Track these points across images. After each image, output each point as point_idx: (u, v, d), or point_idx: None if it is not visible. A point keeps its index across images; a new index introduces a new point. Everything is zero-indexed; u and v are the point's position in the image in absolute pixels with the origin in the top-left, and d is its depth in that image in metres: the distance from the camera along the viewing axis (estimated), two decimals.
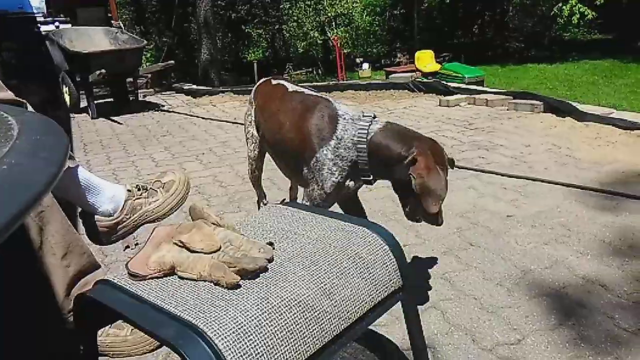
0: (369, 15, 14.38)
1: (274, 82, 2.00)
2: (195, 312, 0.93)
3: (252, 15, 14.92)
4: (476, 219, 2.41)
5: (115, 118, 5.75)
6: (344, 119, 1.61)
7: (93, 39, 6.39)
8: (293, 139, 1.70)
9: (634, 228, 2.22)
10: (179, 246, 1.11)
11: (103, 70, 5.49)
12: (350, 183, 1.67)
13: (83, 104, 6.21)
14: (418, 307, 1.43)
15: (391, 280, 1.20)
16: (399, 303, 1.26)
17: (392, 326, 1.63)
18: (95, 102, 5.96)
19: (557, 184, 2.77)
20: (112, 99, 6.60)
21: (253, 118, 2.06)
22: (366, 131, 1.56)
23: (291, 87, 1.88)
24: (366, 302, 1.13)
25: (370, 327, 1.56)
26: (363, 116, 1.60)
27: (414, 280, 1.38)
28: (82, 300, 1.09)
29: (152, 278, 1.07)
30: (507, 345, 1.53)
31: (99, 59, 5.70)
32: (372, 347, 1.55)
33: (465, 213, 2.49)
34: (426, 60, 9.02)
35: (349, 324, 1.08)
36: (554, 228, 2.27)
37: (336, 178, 1.62)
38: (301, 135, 1.66)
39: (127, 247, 2.37)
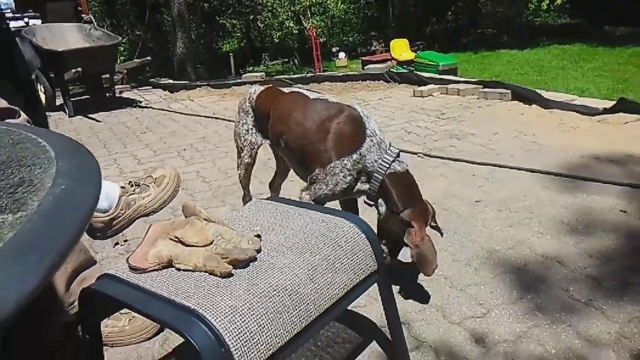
0: (344, 3, 14.45)
1: (286, 90, 2.04)
2: (194, 299, 1.06)
3: (226, 5, 14.85)
4: (447, 205, 2.57)
5: (93, 116, 5.76)
6: (371, 139, 1.75)
7: (66, 36, 6.33)
8: (317, 143, 1.79)
9: (590, 209, 2.41)
10: (174, 241, 1.23)
11: (79, 69, 5.49)
12: (354, 190, 1.82)
13: (58, 102, 6.20)
14: (393, 287, 1.58)
15: (367, 265, 1.35)
16: (376, 285, 1.41)
17: (370, 306, 1.78)
18: (71, 99, 5.96)
19: (522, 169, 2.95)
20: (88, 97, 6.59)
21: (252, 126, 2.11)
22: (388, 166, 1.72)
23: (312, 94, 1.94)
24: (346, 285, 1.28)
25: (350, 307, 1.72)
26: (389, 148, 1.76)
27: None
28: (87, 293, 1.20)
29: (151, 271, 1.19)
30: (474, 318, 1.70)
31: (74, 57, 5.68)
32: (352, 325, 1.70)
33: (437, 200, 2.64)
34: (401, 48, 9.14)
35: (331, 304, 1.23)
36: (518, 211, 2.44)
37: (346, 184, 1.77)
38: (326, 142, 1.77)
39: (117, 243, 2.48)
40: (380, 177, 1.72)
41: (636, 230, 2.19)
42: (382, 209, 1.77)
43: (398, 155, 1.75)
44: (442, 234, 1.85)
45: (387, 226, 1.77)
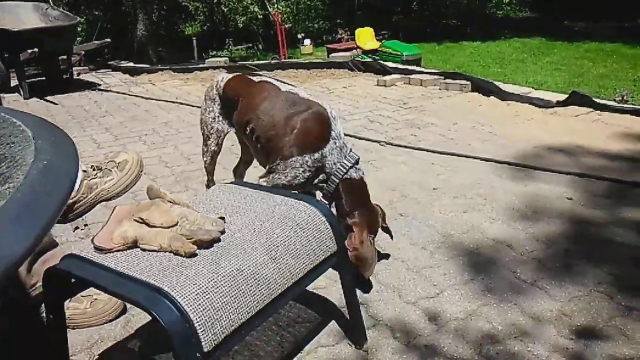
0: None
1: (256, 79, 2.05)
2: (159, 277, 1.10)
3: None
4: (406, 192, 2.67)
5: (49, 98, 5.60)
6: (335, 142, 1.82)
7: (21, 16, 6.11)
8: (283, 136, 1.83)
9: (539, 196, 2.54)
10: (140, 222, 1.26)
11: (35, 49, 5.33)
12: (311, 185, 1.89)
13: (13, 83, 6.00)
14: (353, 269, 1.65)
15: (327, 246, 1.41)
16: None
17: (330, 288, 1.85)
18: (27, 81, 5.77)
19: (478, 158, 3.07)
20: (44, 78, 6.39)
21: (218, 114, 2.12)
22: (345, 171, 1.81)
23: (283, 86, 1.97)
24: (306, 264, 1.34)
25: (310, 289, 1.79)
26: (349, 153, 1.83)
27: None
28: (52, 273, 1.22)
29: (117, 251, 1.22)
30: (428, 298, 1.79)
31: (30, 36, 5.50)
32: (312, 306, 1.77)
33: (397, 187, 2.73)
34: (366, 37, 9.19)
35: (292, 283, 1.29)
36: (473, 198, 2.55)
37: (303, 179, 1.84)
38: (292, 137, 1.82)
39: (77, 228, 2.47)
40: (337, 181, 1.82)
41: (580, 217, 2.33)
42: (334, 211, 1.86)
43: (357, 162, 1.84)
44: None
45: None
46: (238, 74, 2.17)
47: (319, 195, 1.91)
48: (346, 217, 1.81)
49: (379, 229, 1.88)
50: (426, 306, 1.75)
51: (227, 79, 2.12)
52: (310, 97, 1.90)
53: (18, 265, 0.38)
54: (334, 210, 1.86)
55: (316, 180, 1.87)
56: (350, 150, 1.85)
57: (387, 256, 2.05)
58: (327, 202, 1.87)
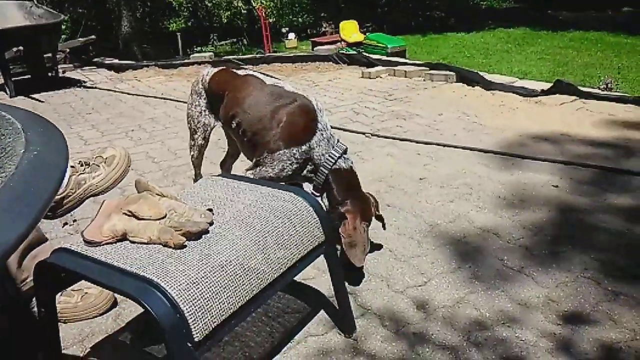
0: None
1: (241, 73, 2.05)
2: (150, 269, 1.11)
3: None
4: (393, 183, 2.68)
5: (35, 96, 5.56)
6: (322, 133, 1.83)
7: (5, 14, 6.05)
8: (270, 130, 1.84)
9: (525, 184, 2.57)
10: (128, 215, 1.26)
11: (20, 47, 5.28)
12: (299, 176, 1.90)
13: None
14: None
15: (315, 236, 1.43)
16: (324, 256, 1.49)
17: (318, 279, 1.87)
18: (12, 79, 5.72)
19: (463, 148, 3.10)
20: (29, 76, 6.34)
21: (205, 108, 2.12)
22: (334, 162, 1.81)
23: (268, 80, 1.97)
24: (295, 255, 1.35)
25: (299, 279, 1.81)
26: (337, 143, 1.84)
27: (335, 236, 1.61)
28: (43, 267, 1.22)
29: (106, 244, 1.23)
30: (415, 287, 1.81)
31: (15, 35, 5.45)
32: (301, 296, 1.79)
33: (384, 178, 2.75)
34: (351, 30, 9.19)
35: (280, 273, 1.30)
36: (459, 187, 2.58)
37: (291, 171, 1.85)
38: (278, 130, 1.82)
39: (66, 223, 2.46)
40: (326, 172, 1.82)
41: (566, 204, 2.36)
42: (326, 202, 1.87)
43: (345, 152, 1.85)
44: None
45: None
46: (223, 68, 2.16)
47: (309, 187, 1.92)
48: (338, 206, 1.82)
49: (373, 217, 1.89)
50: (414, 294, 1.77)
51: (213, 73, 2.12)
52: (296, 90, 1.91)
53: (10, 252, 0.39)
54: (325, 202, 1.88)
55: (304, 172, 1.88)
56: (338, 141, 1.87)
57: (379, 246, 2.06)
58: (318, 194, 1.88)
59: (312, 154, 1.83)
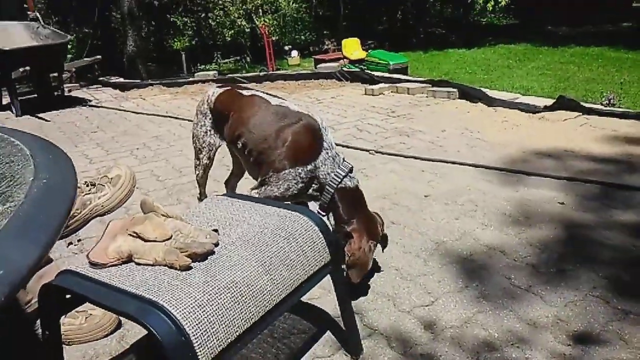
0: (295, 2, 14.49)
1: (246, 93, 2.06)
2: (155, 291, 1.10)
3: (176, 2, 14.61)
4: (397, 200, 2.68)
5: (41, 115, 5.60)
6: (327, 152, 1.83)
7: (12, 35, 6.13)
8: (275, 149, 1.84)
9: (530, 201, 2.56)
10: (134, 236, 1.26)
11: (27, 67, 5.33)
12: (305, 195, 1.90)
13: (5, 101, 5.99)
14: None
15: (321, 256, 1.42)
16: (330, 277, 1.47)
17: (324, 298, 1.85)
18: (19, 99, 5.77)
19: (467, 165, 3.09)
20: (36, 95, 6.39)
21: (210, 127, 2.13)
22: (339, 180, 1.82)
23: (274, 100, 1.98)
24: (301, 275, 1.34)
25: (305, 300, 1.79)
26: (343, 162, 1.85)
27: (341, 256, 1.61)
28: (49, 289, 1.21)
29: (111, 265, 1.22)
30: (422, 306, 1.79)
31: (22, 55, 5.51)
32: (307, 317, 1.77)
33: (388, 195, 2.75)
34: (353, 47, 9.28)
35: (286, 294, 1.29)
36: (464, 204, 2.57)
37: (297, 191, 1.85)
38: (284, 150, 1.83)
39: (70, 243, 2.45)
40: (332, 191, 1.82)
41: (572, 221, 2.35)
42: (332, 221, 1.86)
43: (350, 171, 1.86)
44: (383, 248, 1.96)
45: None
46: (228, 88, 2.17)
47: (315, 206, 1.91)
48: (344, 225, 1.81)
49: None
50: (421, 314, 1.75)
51: (218, 94, 2.13)
52: (301, 110, 1.92)
53: (26, 280, 0.38)
54: (331, 220, 1.87)
55: (310, 191, 1.88)
56: (344, 160, 1.87)
57: (378, 269, 2.04)
58: (324, 214, 1.88)
59: (317, 173, 1.83)
